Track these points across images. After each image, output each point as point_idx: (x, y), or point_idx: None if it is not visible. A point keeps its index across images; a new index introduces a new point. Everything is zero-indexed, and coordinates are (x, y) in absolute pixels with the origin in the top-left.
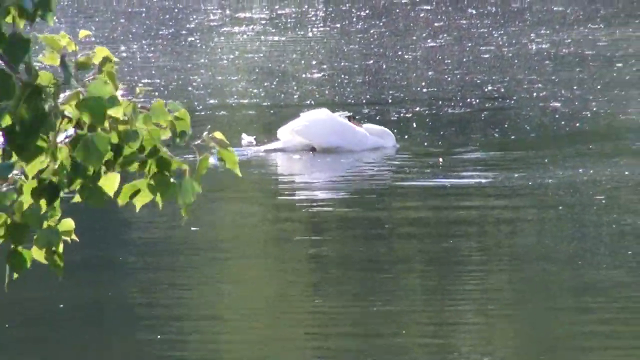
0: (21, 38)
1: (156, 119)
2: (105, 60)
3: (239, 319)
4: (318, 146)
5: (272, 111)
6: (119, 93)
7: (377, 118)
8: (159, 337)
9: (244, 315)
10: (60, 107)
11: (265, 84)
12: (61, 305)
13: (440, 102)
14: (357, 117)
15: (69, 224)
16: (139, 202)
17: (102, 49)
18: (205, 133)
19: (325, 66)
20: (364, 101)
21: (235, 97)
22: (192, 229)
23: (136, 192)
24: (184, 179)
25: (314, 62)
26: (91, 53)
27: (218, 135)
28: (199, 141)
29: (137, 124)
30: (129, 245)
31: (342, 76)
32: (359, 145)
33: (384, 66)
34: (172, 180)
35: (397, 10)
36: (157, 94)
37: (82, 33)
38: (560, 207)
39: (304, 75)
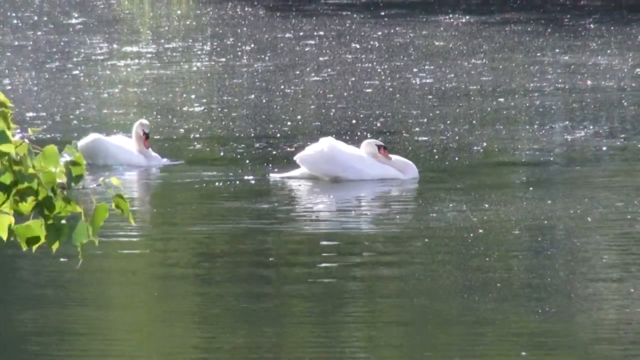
0: None
1: (46, 164)
2: (1, 104)
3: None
4: (320, 175)
5: (158, 144)
6: (15, 135)
7: (268, 150)
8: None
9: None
10: None
11: (150, 118)
12: None
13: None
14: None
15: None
16: (34, 246)
17: None
18: (102, 179)
19: (205, 100)
20: (252, 135)
21: (121, 130)
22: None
23: (33, 239)
24: (79, 223)
25: (194, 96)
26: None
27: (115, 181)
28: (95, 185)
29: (32, 164)
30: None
31: (224, 110)
32: (361, 175)
33: (266, 100)
34: (63, 223)
35: (282, 45)
36: (45, 127)
37: None
38: (452, 245)
39: (185, 109)
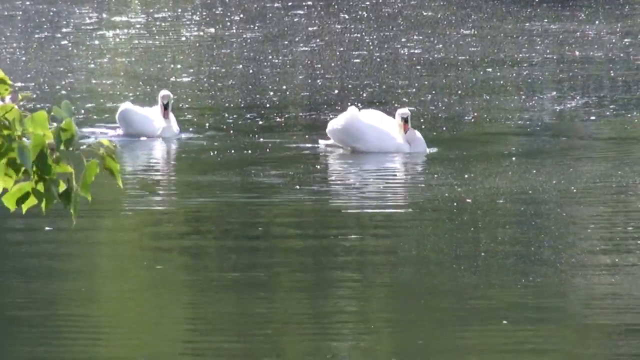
0: None
1: (36, 129)
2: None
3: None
4: (342, 145)
5: None
6: (6, 98)
7: (259, 122)
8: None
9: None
10: None
11: (139, 88)
12: None
13: (317, 107)
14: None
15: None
16: (25, 206)
17: None
18: (91, 139)
19: (193, 70)
20: (242, 106)
21: (111, 101)
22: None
23: (24, 196)
24: (71, 185)
25: (183, 66)
26: None
27: (105, 142)
28: (85, 146)
29: (22, 130)
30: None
31: (213, 80)
32: (371, 148)
33: (254, 70)
34: (54, 187)
35: (270, 15)
36: (34, 95)
37: None
38: (446, 215)
39: (173, 79)
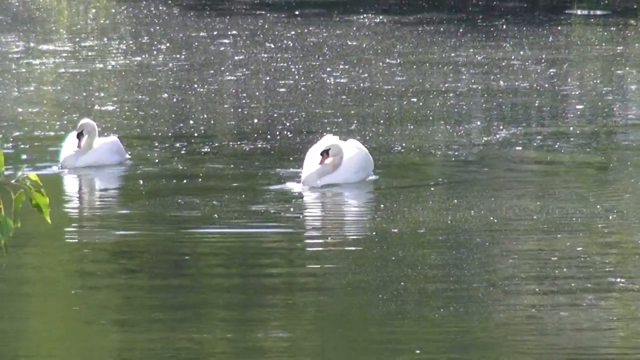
0: None
1: None
2: None
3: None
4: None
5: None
6: None
7: (186, 151)
8: None
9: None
10: None
11: (65, 117)
12: None
13: (243, 136)
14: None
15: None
16: None
17: None
18: (20, 173)
19: (118, 98)
20: (169, 135)
21: (37, 129)
22: None
23: None
24: (1, 216)
25: (109, 95)
26: None
27: (33, 176)
28: (13, 181)
29: None
30: None
31: (139, 109)
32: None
33: (181, 99)
34: None
35: (197, 44)
36: None
37: None
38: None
39: (99, 107)
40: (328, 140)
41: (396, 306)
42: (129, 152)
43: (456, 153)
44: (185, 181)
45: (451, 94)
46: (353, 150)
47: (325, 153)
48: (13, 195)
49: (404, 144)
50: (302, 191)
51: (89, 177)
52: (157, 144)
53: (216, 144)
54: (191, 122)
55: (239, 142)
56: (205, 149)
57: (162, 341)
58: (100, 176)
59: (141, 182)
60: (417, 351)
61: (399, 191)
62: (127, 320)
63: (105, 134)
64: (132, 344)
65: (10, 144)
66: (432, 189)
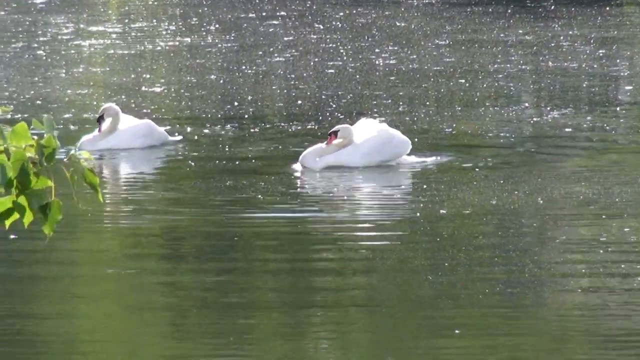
0: None
1: (17, 142)
2: None
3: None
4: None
5: None
6: None
7: (235, 133)
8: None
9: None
10: None
11: (114, 98)
12: None
13: (292, 117)
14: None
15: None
16: (7, 221)
17: None
18: (72, 151)
19: (168, 80)
20: (218, 116)
21: (85, 110)
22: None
23: (8, 212)
24: (52, 200)
25: (158, 76)
26: None
27: (85, 154)
28: (65, 159)
29: (5, 142)
30: None
31: (188, 90)
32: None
33: (229, 80)
34: (36, 200)
35: (245, 25)
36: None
37: None
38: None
39: (149, 89)
40: (365, 123)
41: (444, 289)
42: (177, 134)
43: (505, 134)
44: (233, 163)
45: (500, 75)
46: (371, 132)
47: (333, 134)
48: (68, 174)
49: (454, 125)
50: (349, 173)
51: (117, 160)
52: (206, 126)
53: (265, 126)
54: (240, 103)
55: (287, 124)
56: (254, 131)
57: (213, 325)
58: (134, 159)
59: (192, 163)
60: (457, 331)
61: (447, 172)
62: (175, 304)
63: (140, 117)
64: (181, 327)
65: (60, 126)
66: (481, 170)
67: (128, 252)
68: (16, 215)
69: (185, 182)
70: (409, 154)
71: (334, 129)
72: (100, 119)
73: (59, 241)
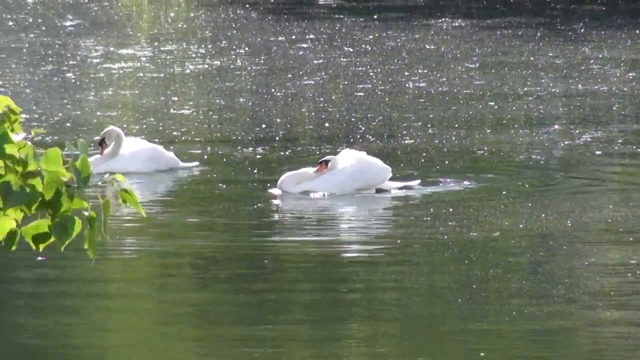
0: None
1: (49, 166)
2: (9, 110)
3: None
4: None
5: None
6: (19, 137)
7: (265, 156)
8: None
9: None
10: None
11: (143, 121)
12: None
13: (321, 140)
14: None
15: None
16: (42, 245)
17: (4, 98)
18: (107, 175)
19: (198, 102)
20: (248, 138)
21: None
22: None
23: (42, 236)
24: (93, 223)
25: (187, 99)
26: None
27: (120, 177)
28: (100, 182)
29: (38, 166)
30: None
31: (217, 113)
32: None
33: (259, 103)
34: (70, 224)
35: (275, 48)
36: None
37: None
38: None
39: (178, 112)
40: (346, 153)
41: (472, 310)
42: (202, 157)
43: (535, 157)
44: (264, 186)
45: (530, 98)
46: (350, 161)
47: (324, 162)
48: (100, 198)
49: (485, 148)
50: (375, 197)
51: (169, 179)
52: (235, 148)
53: (295, 148)
54: (269, 126)
55: (317, 146)
56: (283, 154)
57: (241, 354)
58: (180, 179)
59: (222, 186)
60: (482, 354)
61: (477, 195)
62: (205, 333)
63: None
64: (211, 352)
65: (91, 149)
66: (511, 193)
67: (156, 275)
68: (52, 239)
69: (214, 205)
70: (414, 181)
71: (325, 159)
72: (102, 142)
73: (89, 266)
